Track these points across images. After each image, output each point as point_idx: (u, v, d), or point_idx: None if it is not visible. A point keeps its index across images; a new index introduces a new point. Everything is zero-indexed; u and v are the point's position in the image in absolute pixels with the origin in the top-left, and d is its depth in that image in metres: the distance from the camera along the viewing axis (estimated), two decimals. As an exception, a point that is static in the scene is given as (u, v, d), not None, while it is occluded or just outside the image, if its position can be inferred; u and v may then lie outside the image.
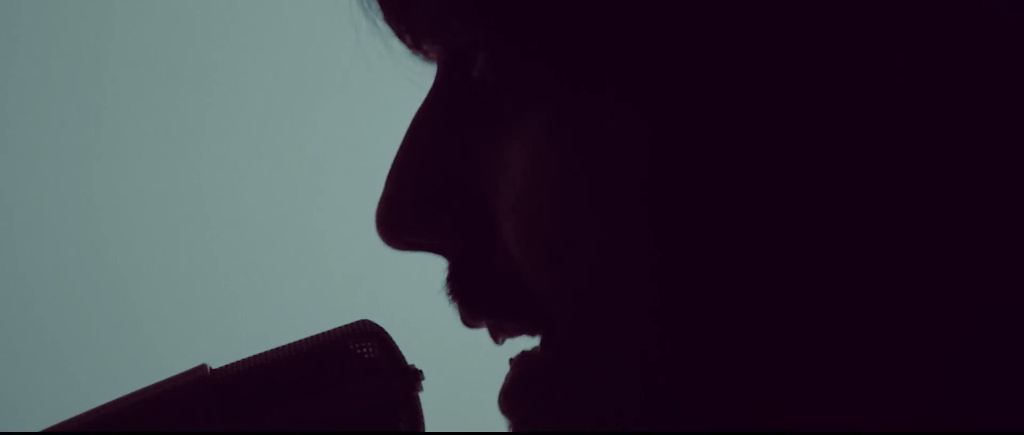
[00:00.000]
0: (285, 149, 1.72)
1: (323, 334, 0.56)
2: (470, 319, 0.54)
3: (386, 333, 0.56)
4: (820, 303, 0.47)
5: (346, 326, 0.56)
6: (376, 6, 0.56)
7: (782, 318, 0.47)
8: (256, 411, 0.55)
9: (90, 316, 1.72)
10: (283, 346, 0.56)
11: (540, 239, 0.50)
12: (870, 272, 0.47)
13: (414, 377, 0.55)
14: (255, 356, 0.56)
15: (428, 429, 0.56)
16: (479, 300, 0.53)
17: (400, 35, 0.56)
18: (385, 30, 0.57)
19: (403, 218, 0.53)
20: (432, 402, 0.56)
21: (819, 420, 0.48)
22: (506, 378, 0.54)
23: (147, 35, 1.72)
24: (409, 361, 0.56)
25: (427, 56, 0.56)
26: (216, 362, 0.56)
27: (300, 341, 0.56)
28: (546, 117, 0.49)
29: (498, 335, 0.54)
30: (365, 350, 0.55)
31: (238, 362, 0.56)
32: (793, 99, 0.46)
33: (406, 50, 0.56)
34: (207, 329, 1.69)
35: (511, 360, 0.54)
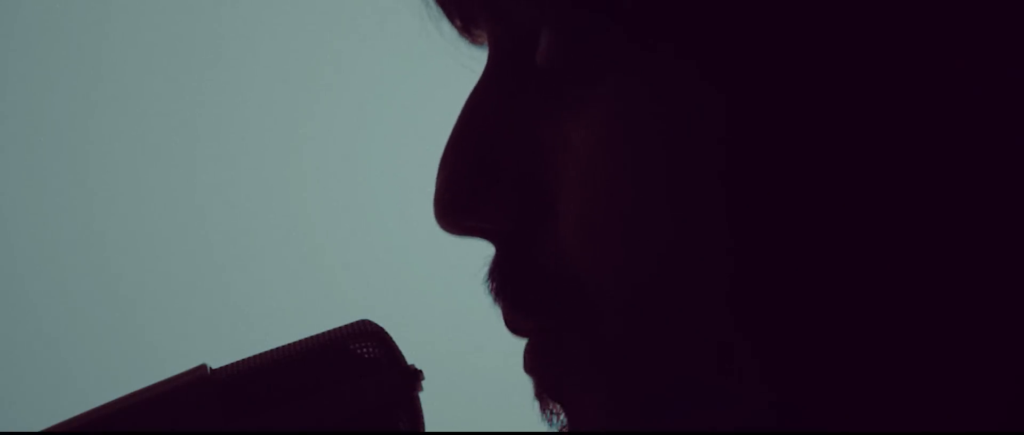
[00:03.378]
0: (285, 148, 1.72)
1: (323, 334, 0.56)
2: (514, 313, 0.52)
3: (386, 333, 0.56)
4: (912, 299, 0.46)
5: (346, 326, 0.56)
6: None
7: (865, 312, 0.47)
8: (256, 411, 0.55)
9: (90, 316, 1.72)
10: (283, 346, 0.56)
11: (602, 221, 0.49)
12: (959, 267, 0.46)
13: (414, 377, 0.55)
14: (255, 356, 0.56)
15: (428, 429, 0.56)
16: (522, 300, 0.52)
17: (450, 15, 0.55)
18: (435, 11, 0.55)
19: (463, 201, 0.52)
20: (432, 402, 0.56)
21: (905, 420, 0.47)
22: (536, 341, 0.53)
23: (145, 34, 1.72)
24: (409, 361, 0.56)
25: (475, 39, 0.55)
26: (216, 362, 0.56)
27: (300, 341, 0.56)
28: (615, 95, 0.48)
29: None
30: (365, 350, 0.55)
31: (238, 362, 0.56)
32: (888, 85, 0.46)
33: (455, 33, 0.55)
34: (207, 329, 1.69)
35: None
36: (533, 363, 0.52)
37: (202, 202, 1.73)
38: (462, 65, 0.55)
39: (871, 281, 0.46)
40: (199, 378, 0.55)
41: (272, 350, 0.56)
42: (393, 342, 0.56)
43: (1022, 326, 0.46)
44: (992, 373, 0.47)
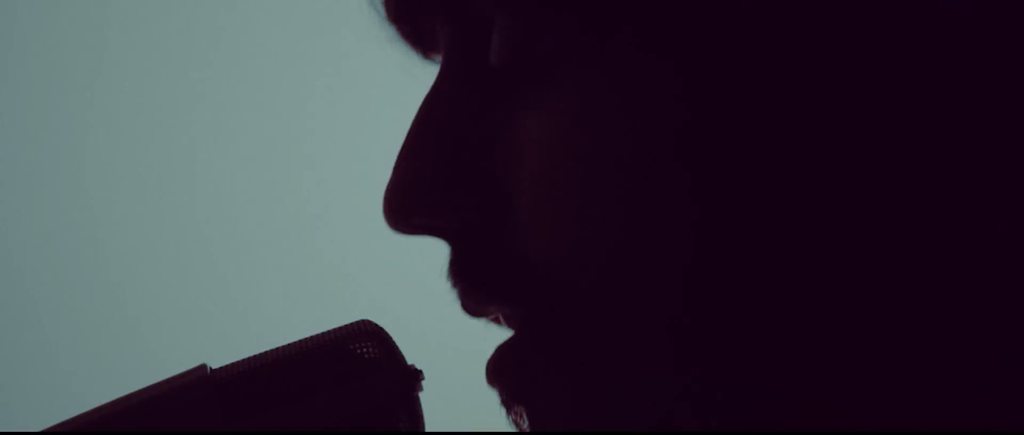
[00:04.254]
0: (284, 148, 1.72)
1: (323, 334, 0.56)
2: (473, 305, 0.53)
3: (386, 333, 0.56)
4: (863, 289, 0.46)
5: (346, 326, 0.56)
6: None
7: (820, 301, 0.46)
8: (256, 411, 0.55)
9: (90, 316, 1.72)
10: (283, 346, 0.56)
11: (563, 212, 0.49)
12: (918, 261, 0.46)
13: (414, 377, 0.55)
14: (255, 356, 0.56)
15: (428, 429, 0.56)
16: (485, 284, 0.52)
17: (403, 31, 0.55)
18: (390, 31, 0.56)
19: (415, 201, 0.52)
20: (432, 402, 0.56)
21: (853, 416, 0.47)
22: (497, 349, 0.53)
23: (144, 32, 1.72)
24: (409, 361, 0.56)
25: (427, 54, 0.56)
26: (216, 362, 0.56)
27: (300, 341, 0.56)
28: (569, 88, 0.48)
29: (502, 321, 0.53)
30: (365, 350, 0.55)
31: (238, 362, 0.56)
32: (849, 73, 0.46)
33: (407, 46, 0.56)
34: (207, 329, 1.69)
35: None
36: (495, 374, 0.53)
37: (202, 202, 1.73)
38: (413, 76, 0.55)
39: (831, 275, 0.46)
40: (199, 378, 0.55)
41: (272, 350, 0.56)
42: (393, 342, 0.56)
43: (1006, 318, 0.46)
44: (973, 365, 0.47)
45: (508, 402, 0.53)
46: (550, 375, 0.51)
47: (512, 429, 0.54)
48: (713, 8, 0.46)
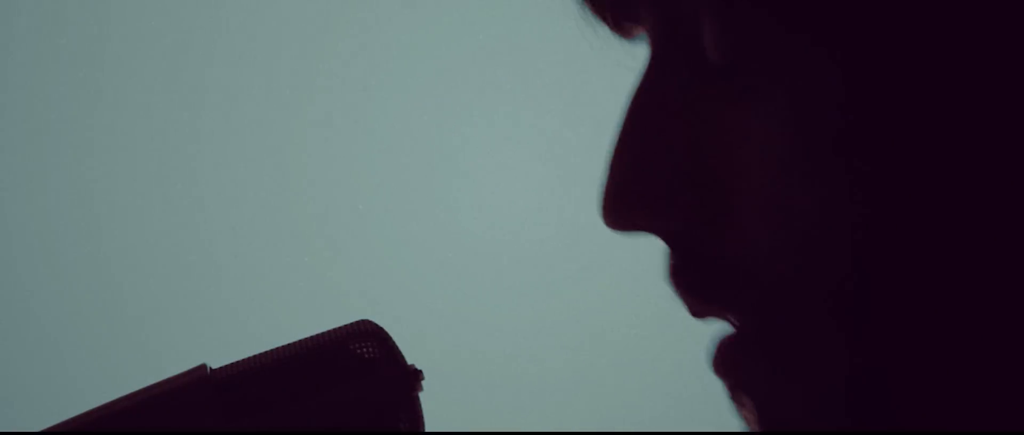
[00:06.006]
0: (284, 147, 1.72)
1: (323, 334, 0.56)
2: (698, 308, 0.53)
3: (386, 333, 0.56)
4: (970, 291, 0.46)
5: (346, 326, 0.56)
6: None
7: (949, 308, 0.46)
8: (256, 411, 0.55)
9: (90, 316, 1.72)
10: (283, 346, 0.56)
11: (787, 216, 0.48)
12: None
13: (414, 377, 0.55)
14: (255, 356, 0.56)
15: (428, 429, 0.56)
16: (707, 289, 0.52)
17: (602, 14, 0.55)
18: (590, 14, 0.55)
19: (633, 201, 0.52)
20: (432, 402, 0.56)
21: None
22: (721, 343, 0.53)
23: (147, 32, 1.72)
24: (409, 361, 0.56)
25: (628, 33, 0.55)
26: (216, 362, 0.56)
27: (300, 341, 0.56)
28: (787, 89, 0.48)
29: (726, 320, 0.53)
30: (365, 350, 0.55)
31: (238, 362, 0.56)
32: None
33: (608, 33, 0.55)
34: (207, 329, 1.69)
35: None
36: (723, 366, 0.53)
37: (202, 201, 1.73)
38: (620, 64, 0.55)
39: (955, 282, 0.46)
40: (199, 378, 0.55)
41: (272, 350, 0.56)
42: (393, 342, 0.56)
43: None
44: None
45: (735, 391, 0.53)
46: (776, 371, 0.51)
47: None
48: (918, 19, 0.46)
